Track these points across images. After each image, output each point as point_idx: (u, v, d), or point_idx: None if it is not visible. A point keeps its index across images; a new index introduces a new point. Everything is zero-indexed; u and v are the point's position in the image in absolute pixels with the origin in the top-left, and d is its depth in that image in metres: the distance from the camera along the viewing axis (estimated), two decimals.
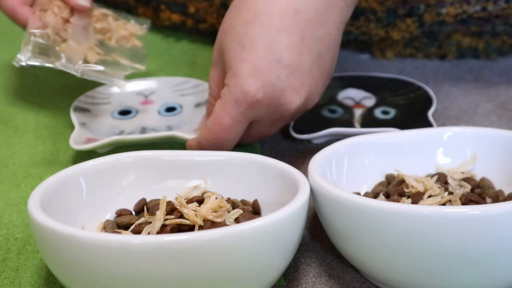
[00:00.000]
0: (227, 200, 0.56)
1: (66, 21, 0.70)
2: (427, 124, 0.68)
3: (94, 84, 0.79)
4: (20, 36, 0.89)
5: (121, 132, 0.68)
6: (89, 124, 0.69)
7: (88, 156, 0.66)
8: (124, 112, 0.72)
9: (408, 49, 0.81)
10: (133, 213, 0.57)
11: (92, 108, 0.71)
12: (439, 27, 0.77)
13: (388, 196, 0.57)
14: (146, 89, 0.75)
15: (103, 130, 0.69)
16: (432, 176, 0.58)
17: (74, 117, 0.69)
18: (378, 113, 0.72)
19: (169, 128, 0.69)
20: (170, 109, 0.72)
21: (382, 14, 0.77)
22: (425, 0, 0.76)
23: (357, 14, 0.77)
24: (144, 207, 0.56)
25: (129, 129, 0.69)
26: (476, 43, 0.79)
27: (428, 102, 0.72)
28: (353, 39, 0.81)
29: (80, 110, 0.71)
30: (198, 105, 0.72)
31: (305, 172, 0.55)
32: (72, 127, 0.72)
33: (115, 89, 0.74)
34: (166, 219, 0.53)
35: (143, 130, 0.69)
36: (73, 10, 0.71)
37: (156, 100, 0.73)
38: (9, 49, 0.86)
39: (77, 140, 0.65)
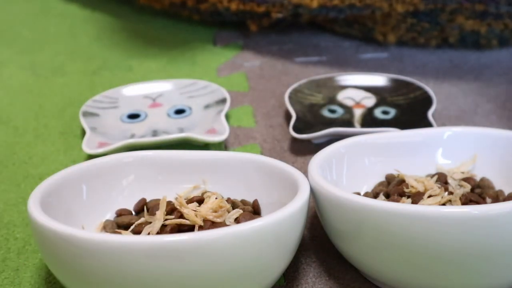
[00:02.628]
0: (227, 200, 0.56)
1: None
2: (427, 124, 0.68)
3: (95, 86, 0.79)
4: (20, 36, 0.89)
5: (132, 136, 0.68)
6: (100, 129, 0.69)
7: (88, 156, 0.66)
8: (133, 116, 0.72)
9: (410, 33, 0.80)
10: (133, 213, 0.57)
11: (101, 112, 0.72)
12: (443, 1, 0.76)
13: (388, 196, 0.57)
14: (152, 93, 0.75)
15: (114, 134, 0.69)
16: (432, 176, 0.58)
17: (84, 122, 0.69)
18: (378, 113, 0.72)
19: (181, 130, 0.69)
20: (179, 111, 0.72)
21: None
22: None
23: None
24: (144, 207, 0.56)
25: (140, 133, 0.69)
26: (478, 27, 0.79)
27: (428, 102, 0.72)
28: (356, 21, 0.80)
29: (89, 114, 0.71)
30: (207, 106, 0.72)
31: (305, 172, 0.55)
32: (72, 127, 0.72)
33: (121, 93, 0.74)
34: (166, 219, 0.53)
35: (155, 133, 0.69)
36: None
37: (164, 103, 0.73)
38: (9, 49, 0.86)
39: (90, 145, 0.66)
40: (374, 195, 0.58)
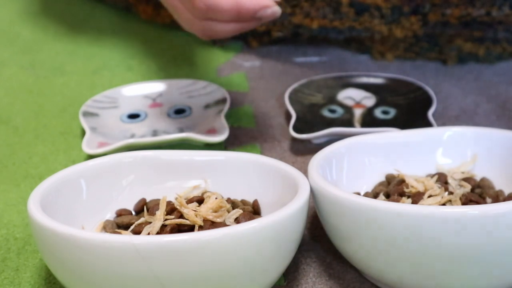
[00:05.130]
0: (227, 200, 0.56)
1: None
2: (427, 124, 0.68)
3: (95, 86, 0.79)
4: (20, 36, 0.89)
5: (132, 136, 0.68)
6: (100, 129, 0.69)
7: (88, 156, 0.66)
8: (133, 116, 0.72)
9: (408, 53, 0.81)
10: (133, 213, 0.57)
11: (101, 112, 0.71)
12: (442, 28, 0.77)
13: (388, 196, 0.57)
14: (152, 93, 0.75)
15: (114, 134, 0.69)
16: (432, 176, 0.58)
17: (84, 122, 0.69)
18: (378, 113, 0.72)
19: (181, 130, 0.69)
20: (179, 111, 0.72)
21: (387, 11, 0.77)
22: None
23: (361, 9, 0.78)
24: (144, 207, 0.56)
25: (140, 133, 0.69)
26: (476, 49, 0.79)
27: (428, 102, 0.72)
28: (353, 39, 0.81)
29: (89, 114, 0.71)
30: (207, 106, 0.72)
31: (305, 172, 0.55)
32: (72, 127, 0.72)
33: (121, 93, 0.74)
34: (166, 219, 0.53)
35: (155, 133, 0.69)
36: None
37: (164, 102, 0.73)
38: (9, 49, 0.86)
39: (90, 145, 0.66)
40: (374, 195, 0.58)
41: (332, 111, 0.72)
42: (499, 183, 0.59)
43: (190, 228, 0.53)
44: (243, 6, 0.60)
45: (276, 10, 0.61)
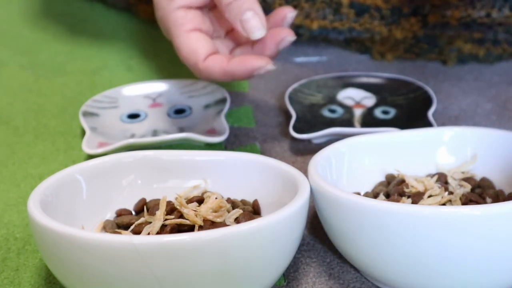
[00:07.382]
0: (227, 200, 0.56)
1: None
2: (427, 124, 0.68)
3: (95, 86, 0.79)
4: (20, 36, 0.89)
5: (132, 136, 0.68)
6: (100, 129, 0.69)
7: (88, 156, 0.66)
8: (133, 116, 0.72)
9: (408, 54, 0.81)
10: (133, 213, 0.57)
11: (101, 112, 0.71)
12: (442, 29, 0.78)
13: (388, 196, 0.57)
14: (153, 92, 0.75)
15: (114, 134, 0.69)
16: (432, 176, 0.58)
17: (84, 122, 0.69)
18: (378, 113, 0.72)
19: (181, 130, 0.69)
20: (179, 111, 0.72)
21: (387, 12, 0.77)
22: (430, 0, 0.76)
23: (361, 11, 0.78)
24: (144, 207, 0.56)
25: (140, 132, 0.69)
26: (476, 50, 0.79)
27: (428, 102, 0.72)
28: (353, 40, 0.81)
29: (89, 114, 0.71)
30: (207, 106, 0.72)
31: (305, 172, 0.55)
32: (72, 127, 0.72)
33: (121, 93, 0.74)
34: (166, 219, 0.53)
35: (155, 133, 0.69)
36: None
37: (164, 102, 0.73)
38: (9, 49, 0.86)
39: (90, 145, 0.65)
40: (374, 195, 0.58)
41: (332, 111, 0.72)
42: (499, 183, 0.59)
43: (190, 228, 0.53)
44: (234, 75, 0.64)
45: (269, 68, 0.64)
